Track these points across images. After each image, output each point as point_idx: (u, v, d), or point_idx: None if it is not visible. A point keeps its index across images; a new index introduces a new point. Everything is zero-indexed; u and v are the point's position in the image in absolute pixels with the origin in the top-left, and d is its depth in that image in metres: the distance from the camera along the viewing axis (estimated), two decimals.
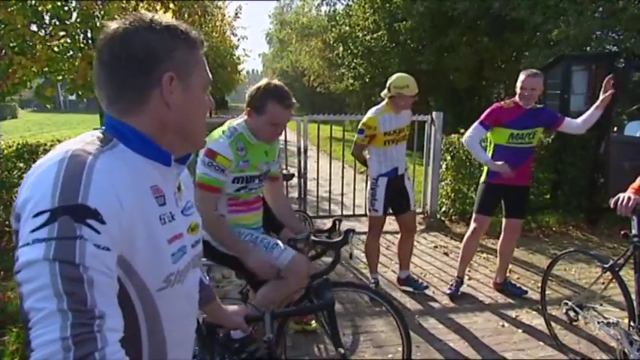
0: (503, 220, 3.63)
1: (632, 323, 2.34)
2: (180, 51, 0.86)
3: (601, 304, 2.71)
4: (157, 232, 0.83)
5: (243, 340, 2.01)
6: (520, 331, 3.16)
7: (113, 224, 0.72)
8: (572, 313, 2.80)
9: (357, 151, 3.71)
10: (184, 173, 1.02)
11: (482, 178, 3.59)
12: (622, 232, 2.46)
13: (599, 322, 2.55)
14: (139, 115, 0.85)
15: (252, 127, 2.21)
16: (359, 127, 3.56)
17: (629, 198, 2.31)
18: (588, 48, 8.40)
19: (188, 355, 1.02)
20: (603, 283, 2.70)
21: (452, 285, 3.72)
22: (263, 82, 2.21)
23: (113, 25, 0.84)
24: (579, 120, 3.45)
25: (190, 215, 0.97)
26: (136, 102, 0.85)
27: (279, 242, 2.29)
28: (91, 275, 0.68)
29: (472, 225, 3.65)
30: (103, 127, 0.86)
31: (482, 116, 3.46)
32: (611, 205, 2.38)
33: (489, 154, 3.51)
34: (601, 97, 3.35)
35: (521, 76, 3.32)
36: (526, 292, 3.68)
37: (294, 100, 2.17)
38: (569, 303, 2.80)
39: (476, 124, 3.46)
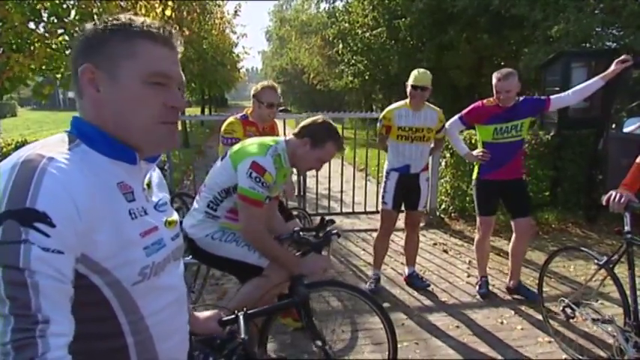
0: (512, 223, 3.52)
1: (627, 320, 2.35)
2: (110, 43, 0.84)
3: (597, 301, 2.72)
4: (127, 227, 0.83)
5: (225, 337, 2.03)
6: (519, 327, 3.17)
7: (66, 227, 0.71)
8: (568, 310, 2.81)
9: (378, 139, 3.81)
10: (155, 173, 1.02)
11: (474, 176, 3.56)
12: (616, 229, 2.47)
13: (594, 319, 2.55)
14: (82, 108, 0.88)
15: (299, 154, 2.24)
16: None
17: (620, 195, 2.33)
18: (588, 45, 8.39)
19: (182, 347, 1.01)
20: (600, 280, 2.70)
21: (480, 286, 3.65)
22: (321, 118, 2.32)
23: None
24: (569, 91, 3.32)
25: (164, 212, 0.97)
26: (78, 96, 0.88)
27: None
28: (36, 279, 0.67)
29: (477, 227, 3.62)
30: (67, 130, 0.88)
31: (464, 111, 3.50)
32: (604, 203, 2.40)
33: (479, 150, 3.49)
34: (612, 67, 3.14)
35: (494, 80, 3.24)
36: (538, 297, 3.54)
37: None
38: (566, 300, 2.81)
39: (456, 117, 3.53)
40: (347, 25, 15.54)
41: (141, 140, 0.88)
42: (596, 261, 2.62)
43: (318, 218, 2.53)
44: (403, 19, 12.41)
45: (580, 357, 2.75)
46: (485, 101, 3.42)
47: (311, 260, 2.21)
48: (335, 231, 2.31)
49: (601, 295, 3.07)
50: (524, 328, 3.16)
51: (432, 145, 3.76)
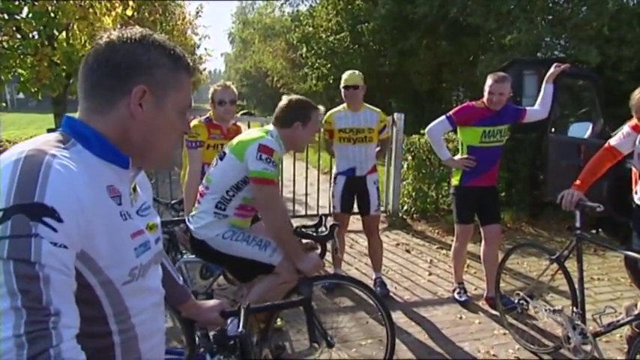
0: (481, 230, 3.49)
1: (574, 309, 2.54)
2: (163, 69, 0.88)
3: (549, 294, 2.90)
4: (120, 227, 0.85)
5: (239, 337, 2.04)
6: (476, 322, 3.33)
7: (71, 222, 0.73)
8: (523, 303, 2.98)
9: (327, 146, 3.88)
10: (140, 175, 1.03)
11: (455, 183, 3.47)
12: (567, 227, 2.65)
13: (546, 310, 2.73)
14: (104, 116, 0.87)
15: (296, 139, 2.33)
16: None
17: (571, 194, 2.51)
18: (539, 54, 8.88)
19: (161, 347, 1.04)
20: (551, 274, 2.88)
21: (459, 293, 3.62)
22: (293, 97, 2.39)
23: (108, 34, 0.87)
24: (536, 106, 3.44)
25: (147, 216, 0.98)
26: (105, 104, 0.86)
27: (271, 240, 2.34)
28: (47, 273, 0.68)
29: (456, 235, 3.57)
30: (60, 129, 0.87)
31: (452, 111, 3.40)
32: (557, 201, 2.57)
33: (462, 156, 3.43)
34: (551, 70, 3.33)
35: (489, 81, 3.24)
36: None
37: None
38: (521, 294, 2.98)
39: (442, 117, 3.39)
40: (311, 28, 15.66)
41: (156, 161, 0.96)
42: (548, 256, 2.80)
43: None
44: (366, 25, 12.66)
45: (531, 346, 2.92)
46: (474, 103, 3.35)
47: (309, 259, 2.27)
48: (337, 223, 2.41)
49: (551, 288, 3.27)
50: (481, 322, 3.32)
51: (378, 148, 3.78)
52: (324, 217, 2.48)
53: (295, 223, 2.48)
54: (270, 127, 2.37)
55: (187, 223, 2.41)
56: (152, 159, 0.94)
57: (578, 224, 2.58)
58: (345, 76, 3.57)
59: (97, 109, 0.87)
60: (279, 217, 2.24)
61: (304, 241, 2.43)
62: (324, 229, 2.40)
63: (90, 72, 0.87)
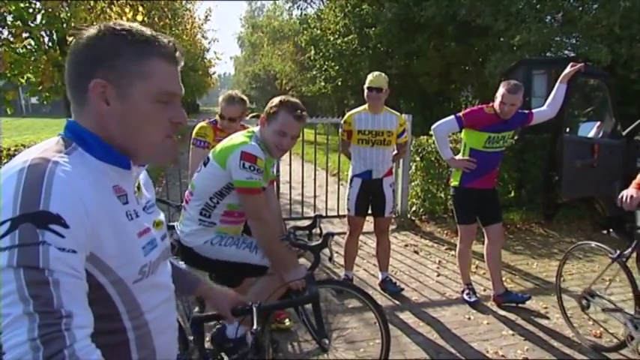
0: (484, 230, 3.53)
1: (637, 308, 2.54)
2: (124, 59, 0.85)
3: (607, 293, 2.88)
4: (126, 227, 0.87)
5: (237, 340, 2.06)
6: (485, 322, 3.31)
7: (77, 227, 0.75)
8: (584, 302, 2.94)
9: (341, 146, 3.86)
10: (143, 174, 1.05)
11: (454, 184, 3.49)
12: (629, 226, 2.61)
13: (608, 309, 2.73)
14: (81, 116, 0.89)
15: (263, 136, 2.21)
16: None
17: (631, 195, 2.48)
18: (548, 53, 8.80)
19: (174, 343, 1.06)
20: (612, 272, 2.81)
21: (468, 294, 3.60)
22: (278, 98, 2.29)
23: (80, 33, 0.88)
24: (545, 106, 3.45)
25: (152, 213, 1.00)
26: (78, 103, 0.88)
27: None
28: (56, 278, 0.70)
29: (460, 236, 3.59)
30: (62, 133, 0.89)
31: (462, 112, 3.41)
32: (617, 203, 2.53)
33: (463, 157, 3.45)
34: (567, 70, 3.34)
35: (501, 89, 3.24)
36: (529, 297, 3.53)
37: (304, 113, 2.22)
38: (582, 292, 2.97)
39: (451, 116, 3.39)
40: (319, 31, 15.67)
41: (148, 154, 0.92)
42: (610, 255, 2.76)
43: (295, 223, 2.58)
44: (373, 29, 12.64)
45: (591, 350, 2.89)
46: (484, 107, 3.36)
47: (297, 274, 2.18)
48: (326, 231, 2.34)
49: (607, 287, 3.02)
50: (489, 323, 3.30)
51: (395, 152, 3.76)
52: (318, 219, 2.45)
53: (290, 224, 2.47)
54: (255, 128, 2.27)
55: (176, 229, 2.34)
56: (139, 154, 0.91)
57: None
58: (370, 77, 3.51)
59: (75, 109, 0.89)
60: (266, 226, 2.16)
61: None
62: (318, 230, 2.38)
63: (66, 72, 0.89)
